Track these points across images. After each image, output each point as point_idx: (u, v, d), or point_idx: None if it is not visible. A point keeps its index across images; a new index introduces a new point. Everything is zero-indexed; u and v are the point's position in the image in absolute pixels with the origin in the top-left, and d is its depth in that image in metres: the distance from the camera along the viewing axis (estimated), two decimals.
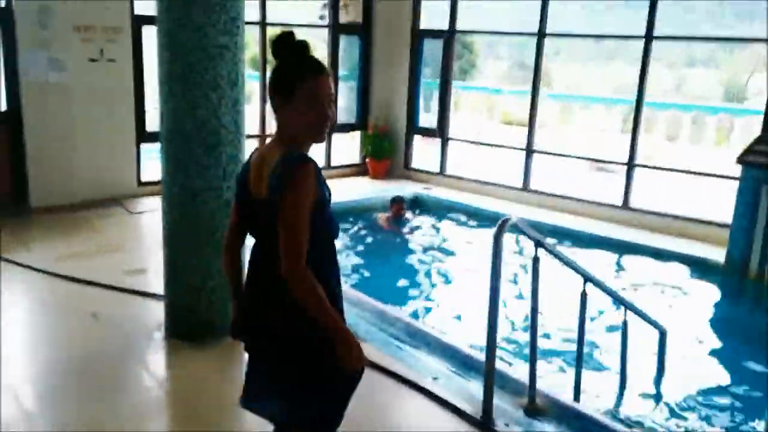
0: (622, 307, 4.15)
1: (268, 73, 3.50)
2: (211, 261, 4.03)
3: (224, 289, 4.10)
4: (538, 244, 3.43)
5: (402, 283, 6.13)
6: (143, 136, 7.68)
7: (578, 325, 3.75)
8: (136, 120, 7.59)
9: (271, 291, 2.07)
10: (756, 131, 6.74)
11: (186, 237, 4.05)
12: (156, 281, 4.70)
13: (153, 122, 7.30)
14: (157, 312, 4.38)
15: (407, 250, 7.01)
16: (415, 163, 9.64)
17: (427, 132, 9.51)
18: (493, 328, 3.22)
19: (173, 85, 3.90)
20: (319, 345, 2.03)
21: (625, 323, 4.14)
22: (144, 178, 7.77)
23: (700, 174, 7.77)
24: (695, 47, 16.60)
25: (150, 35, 6.38)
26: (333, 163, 9.50)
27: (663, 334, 4.39)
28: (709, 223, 6.94)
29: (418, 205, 8.36)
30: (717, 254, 6.37)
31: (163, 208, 4.11)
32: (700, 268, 6.37)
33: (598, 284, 3.82)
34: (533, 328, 3.44)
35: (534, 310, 3.45)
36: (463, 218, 7.98)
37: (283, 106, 2.04)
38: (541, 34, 8.09)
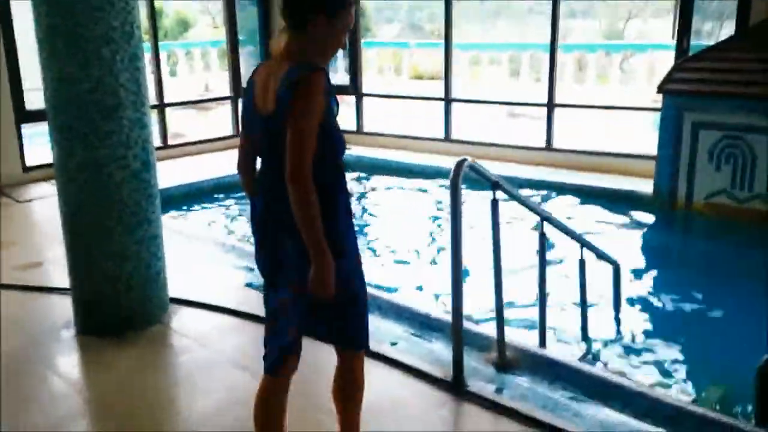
0: (577, 245, 3.96)
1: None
2: (125, 242, 3.51)
3: (143, 273, 3.68)
4: (496, 185, 3.16)
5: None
6: (23, 115, 6.84)
7: (539, 268, 3.53)
8: (12, 98, 6.75)
9: (285, 213, 1.99)
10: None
11: (91, 218, 3.49)
12: (57, 274, 4.14)
13: (33, 100, 6.50)
14: (62, 308, 3.81)
15: None
16: None
17: (339, 90, 9.04)
18: (458, 282, 2.91)
19: (56, 43, 3.30)
20: (336, 259, 2.00)
21: (582, 262, 3.97)
22: (29, 163, 6.96)
23: (620, 108, 7.78)
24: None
25: None
26: (227, 133, 8.86)
27: (617, 269, 4.28)
28: (633, 156, 6.94)
29: None
30: (644, 186, 6.37)
31: (59, 189, 3.53)
32: (628, 201, 6.34)
33: (556, 223, 3.62)
34: (498, 277, 3.17)
35: (497, 258, 3.18)
36: (389, 175, 7.66)
37: (316, 25, 2.01)
38: None
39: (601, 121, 9.23)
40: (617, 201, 6.38)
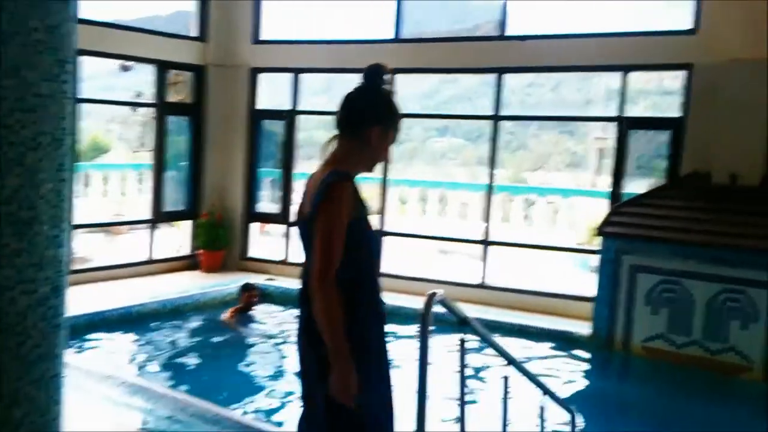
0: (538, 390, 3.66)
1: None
2: (20, 382, 2.91)
3: (36, 421, 3.06)
4: (464, 322, 2.88)
5: (257, 383, 5.25)
6: None
7: (503, 410, 3.23)
8: None
9: (308, 318, 2.12)
10: None
11: None
12: None
13: None
14: None
15: (256, 348, 6.10)
16: (253, 253, 8.82)
17: (268, 218, 8.78)
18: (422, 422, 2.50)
19: None
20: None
21: (542, 408, 3.67)
22: None
23: (558, 249, 7.86)
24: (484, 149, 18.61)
25: None
26: (156, 257, 8.37)
27: (573, 416, 4.00)
28: (568, 296, 6.90)
29: (263, 297, 7.47)
30: (581, 328, 6.26)
31: None
32: (566, 342, 6.22)
33: (520, 368, 3.35)
34: (462, 422, 2.80)
35: (463, 401, 2.83)
36: None
37: (376, 136, 2.23)
38: None
39: (526, 260, 9.29)
40: (554, 341, 6.24)
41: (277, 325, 6.67)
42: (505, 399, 3.25)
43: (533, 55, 7.17)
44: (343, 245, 2.07)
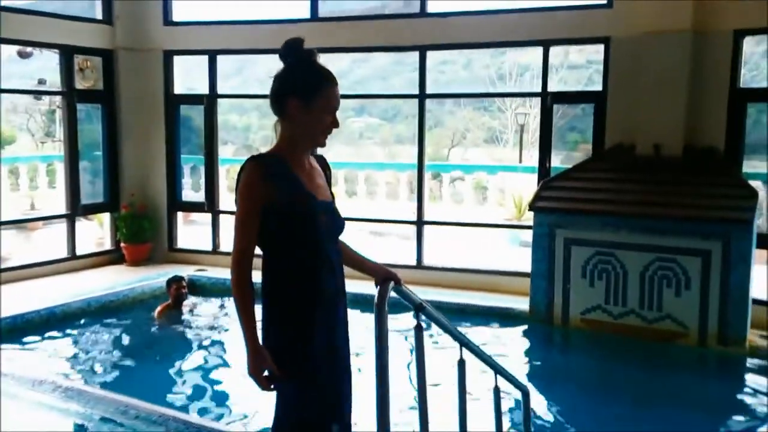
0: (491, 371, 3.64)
1: None
2: None
3: None
4: (420, 308, 2.78)
5: (191, 381, 5.03)
6: None
7: (459, 395, 3.16)
8: None
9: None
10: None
11: None
12: None
13: None
14: None
15: (192, 342, 5.84)
16: (182, 244, 8.46)
17: (193, 207, 8.45)
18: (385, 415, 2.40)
19: None
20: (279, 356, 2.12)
21: (497, 389, 3.65)
22: None
23: (491, 226, 7.92)
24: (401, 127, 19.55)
25: None
26: (79, 252, 7.91)
27: (526, 395, 4.00)
28: (504, 273, 6.97)
29: (194, 290, 7.17)
30: (519, 303, 6.33)
31: None
32: (506, 318, 6.26)
33: (473, 350, 3.30)
34: (423, 409, 2.72)
35: (422, 387, 2.74)
36: None
37: (296, 110, 2.16)
38: None
39: (456, 238, 9.37)
40: (494, 318, 6.28)
41: (211, 317, 6.42)
42: (461, 384, 3.19)
43: (454, 31, 7.13)
44: (254, 228, 2.10)
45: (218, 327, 6.20)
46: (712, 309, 5.45)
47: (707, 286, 5.45)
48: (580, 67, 16.04)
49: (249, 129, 21.26)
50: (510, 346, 5.85)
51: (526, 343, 5.98)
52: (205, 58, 8.10)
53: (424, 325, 2.78)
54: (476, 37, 7.14)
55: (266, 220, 2.11)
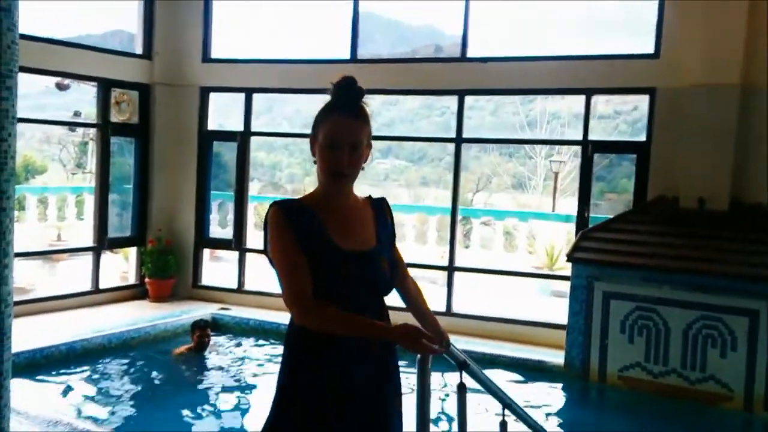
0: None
1: None
2: None
3: None
4: (463, 366, 2.62)
5: (210, 425, 4.85)
6: None
7: None
8: None
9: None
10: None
11: None
12: None
13: None
14: None
15: (212, 386, 5.66)
16: (206, 281, 8.36)
17: (220, 244, 8.35)
18: None
19: None
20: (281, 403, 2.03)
21: None
22: None
23: (528, 275, 7.72)
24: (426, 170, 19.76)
25: None
26: (101, 286, 7.83)
27: None
28: (537, 324, 6.73)
29: (217, 328, 7.03)
30: (553, 357, 6.09)
31: None
32: (539, 372, 6.01)
33: (517, 412, 3.09)
34: None
35: None
36: (274, 338, 6.85)
37: (312, 147, 2.04)
38: None
39: (484, 286, 9.14)
40: (527, 371, 6.02)
41: (233, 359, 6.26)
42: None
43: (495, 76, 7.05)
44: (302, 260, 1.94)
45: (239, 370, 6.03)
46: (759, 372, 5.17)
47: (754, 348, 5.18)
48: (606, 117, 15.97)
49: (276, 167, 21.43)
50: (543, 401, 5.59)
51: (560, 400, 5.72)
52: (239, 96, 8.12)
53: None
54: (517, 83, 7.05)
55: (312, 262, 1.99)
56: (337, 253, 2.01)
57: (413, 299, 2.36)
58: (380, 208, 2.23)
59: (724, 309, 5.22)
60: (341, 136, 1.98)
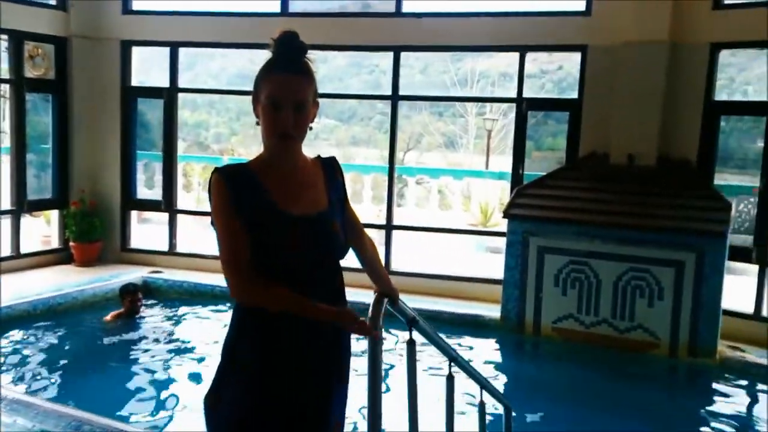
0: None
1: None
2: None
3: None
4: (413, 322, 2.61)
5: (144, 393, 4.73)
6: None
7: (446, 410, 3.01)
8: None
9: None
10: None
11: None
12: None
13: None
14: None
15: (144, 351, 5.49)
16: (135, 243, 8.06)
17: (149, 205, 8.05)
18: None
19: None
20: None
21: (482, 404, 3.50)
22: None
23: (465, 232, 7.79)
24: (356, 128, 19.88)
25: None
26: (24, 251, 7.45)
27: (508, 410, 3.86)
28: (478, 280, 6.85)
29: (150, 292, 6.81)
30: (489, 311, 6.21)
31: None
32: (476, 326, 6.14)
33: (462, 365, 3.14)
34: (414, 426, 2.54)
35: (413, 404, 2.56)
36: (209, 301, 6.70)
37: (255, 108, 1.93)
38: None
39: (420, 243, 9.21)
40: (464, 326, 6.14)
41: (165, 323, 6.10)
42: (450, 399, 3.04)
43: (430, 33, 6.98)
44: (240, 233, 1.83)
45: (173, 334, 5.88)
46: (683, 320, 5.43)
47: (680, 297, 5.43)
48: (533, 76, 16.22)
49: (201, 125, 20.85)
50: (482, 354, 5.71)
51: (498, 352, 5.86)
52: (163, 50, 7.75)
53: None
54: (452, 40, 7.00)
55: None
56: (284, 219, 1.91)
57: (369, 259, 2.31)
58: (331, 168, 2.09)
59: (652, 261, 5.43)
60: (285, 95, 1.85)
